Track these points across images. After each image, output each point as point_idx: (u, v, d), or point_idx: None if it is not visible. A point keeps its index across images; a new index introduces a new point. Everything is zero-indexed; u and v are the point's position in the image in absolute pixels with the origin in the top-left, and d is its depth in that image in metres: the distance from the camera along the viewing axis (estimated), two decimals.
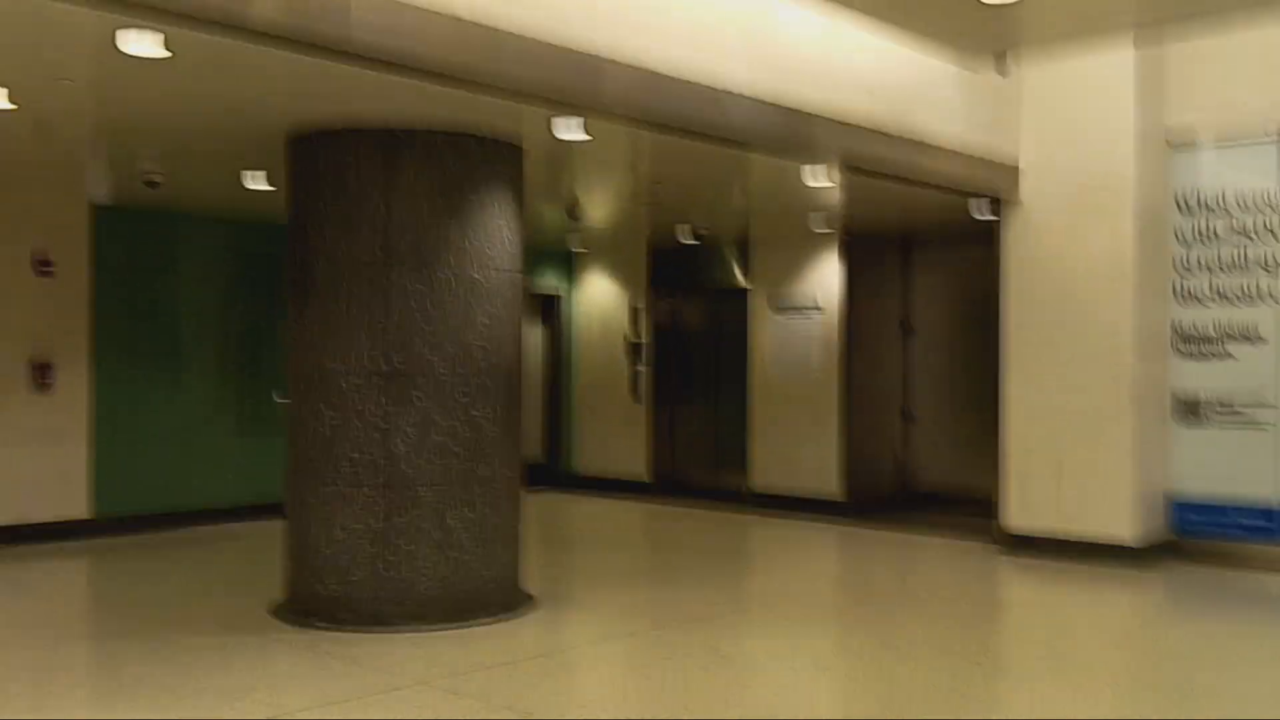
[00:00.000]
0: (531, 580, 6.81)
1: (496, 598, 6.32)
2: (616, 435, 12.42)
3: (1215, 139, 8.19)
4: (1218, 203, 8.19)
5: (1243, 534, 8.05)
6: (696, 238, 10.94)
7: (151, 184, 7.49)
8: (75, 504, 8.93)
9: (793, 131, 6.54)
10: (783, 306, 11.12)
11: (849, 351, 10.77)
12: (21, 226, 8.65)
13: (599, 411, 12.63)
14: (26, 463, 8.68)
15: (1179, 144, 8.31)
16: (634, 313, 12.36)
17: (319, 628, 6.02)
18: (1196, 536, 8.23)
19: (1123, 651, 6.21)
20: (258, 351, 9.82)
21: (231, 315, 9.94)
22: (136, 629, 6.14)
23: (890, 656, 5.72)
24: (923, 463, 11.34)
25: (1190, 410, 8.27)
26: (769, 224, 10.64)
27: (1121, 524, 8.09)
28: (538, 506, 8.10)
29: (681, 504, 11.32)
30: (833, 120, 6.77)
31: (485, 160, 6.29)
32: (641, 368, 12.28)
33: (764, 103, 6.30)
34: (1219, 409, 8.16)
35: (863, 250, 10.88)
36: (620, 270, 12.48)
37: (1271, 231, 7.99)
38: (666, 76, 5.75)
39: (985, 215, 8.77)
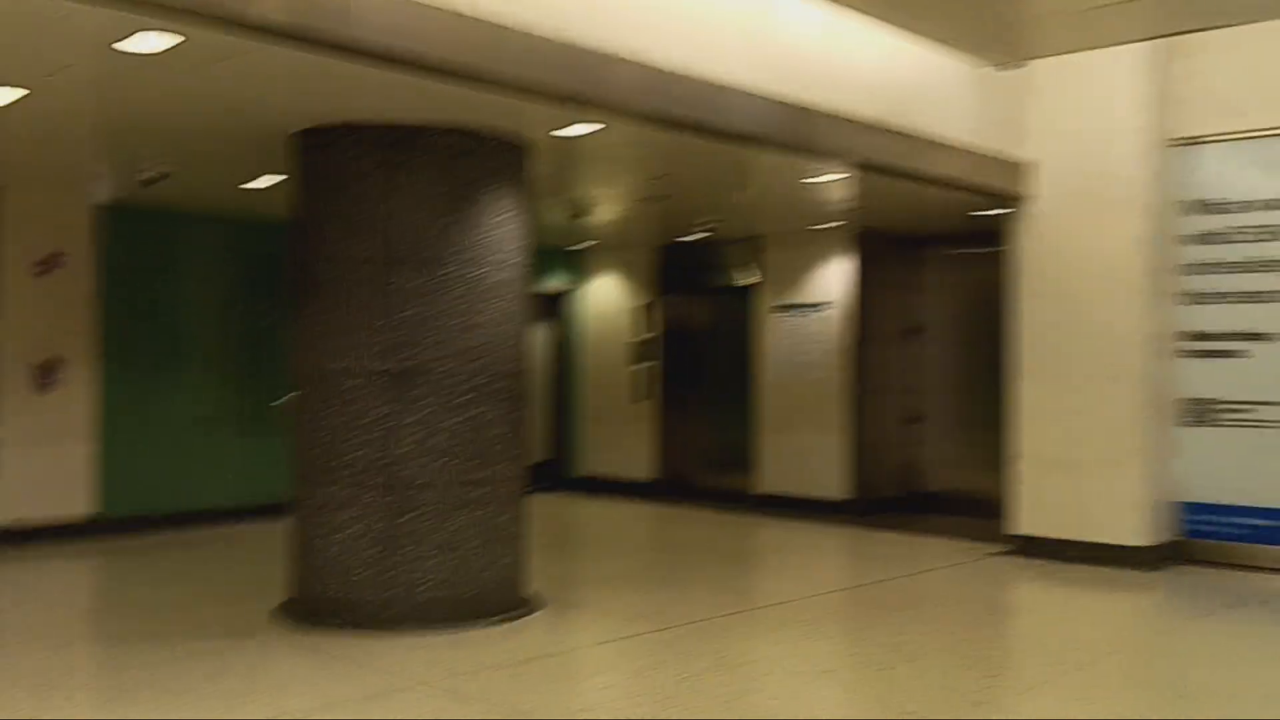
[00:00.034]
0: (535, 582, 6.77)
1: (500, 600, 6.28)
2: (622, 436, 12.38)
3: (1227, 136, 8.13)
4: (1229, 200, 8.13)
5: (1253, 536, 7.98)
6: (703, 236, 10.88)
7: (149, 181, 7.45)
8: (79, 504, 8.92)
9: (800, 128, 6.50)
10: (790, 306, 11.07)
11: (857, 351, 10.72)
12: (25, 226, 8.64)
13: (604, 412, 12.59)
14: (30, 463, 8.66)
15: (1190, 141, 8.25)
16: (640, 312, 12.32)
17: (322, 629, 5.99)
18: (1206, 538, 8.17)
19: (1132, 655, 6.16)
20: (263, 352, 9.78)
21: (236, 315, 9.91)
22: (139, 631, 6.12)
23: (897, 660, 5.67)
24: (931, 464, 11.27)
25: (1200, 412, 8.21)
26: (776, 222, 10.59)
27: (1130, 526, 8.03)
28: (542, 508, 8.05)
29: (687, 505, 11.28)
30: (840, 117, 6.73)
31: (490, 158, 6.25)
32: (648, 367, 12.24)
33: (771, 100, 6.26)
34: (1228, 409, 8.09)
35: (871, 249, 10.83)
36: (627, 269, 12.44)
37: None
38: (672, 73, 5.72)
39: (995, 213, 8.72)
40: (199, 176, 7.84)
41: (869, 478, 10.75)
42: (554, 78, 5.24)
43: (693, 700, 4.95)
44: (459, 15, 4.78)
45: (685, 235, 10.97)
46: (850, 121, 6.81)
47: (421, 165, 6.06)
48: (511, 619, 6.24)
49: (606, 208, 9.67)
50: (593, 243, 12.12)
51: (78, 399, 8.92)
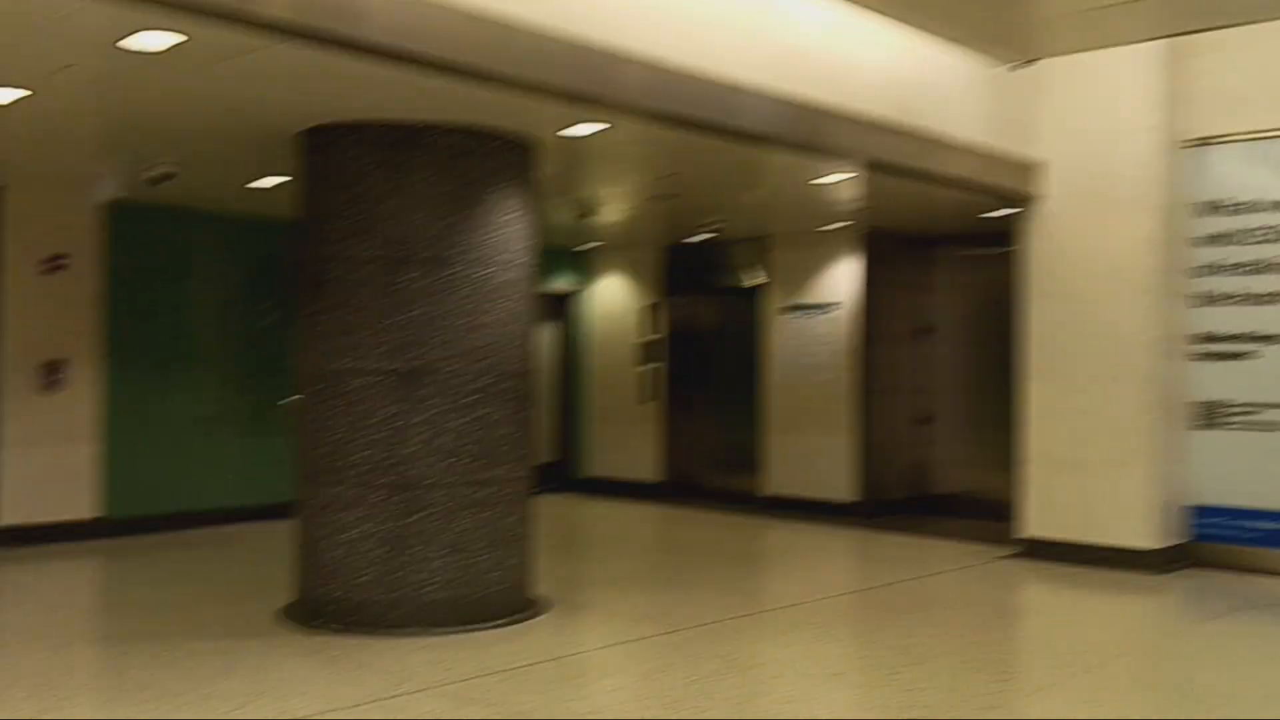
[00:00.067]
0: (542, 584, 6.74)
1: (506, 601, 6.24)
2: (628, 437, 12.34)
3: (1239, 136, 8.07)
4: (1240, 201, 8.08)
5: (1263, 539, 7.92)
6: (711, 236, 10.84)
7: (156, 180, 7.42)
8: (84, 504, 8.89)
9: (809, 128, 6.46)
10: (798, 306, 11.03)
11: (865, 352, 10.67)
12: (29, 226, 8.61)
13: (611, 413, 12.55)
14: (35, 463, 8.64)
15: (1201, 141, 8.19)
16: (647, 312, 12.28)
17: (327, 631, 5.95)
18: (1216, 542, 8.11)
19: (1141, 658, 6.12)
20: (270, 351, 9.76)
21: (241, 315, 9.89)
22: (142, 632, 6.09)
23: (906, 663, 5.63)
24: (939, 466, 11.22)
25: (1210, 413, 8.16)
26: (785, 222, 10.55)
27: (1140, 529, 7.98)
28: (549, 509, 8.03)
29: (694, 507, 11.23)
30: (850, 117, 6.69)
31: (497, 157, 6.22)
32: (654, 368, 12.20)
33: (780, 99, 6.23)
34: (1240, 412, 8.04)
35: (880, 249, 10.77)
36: (634, 269, 12.40)
37: None
38: (680, 72, 5.68)
39: (1005, 213, 8.68)
40: (203, 176, 7.82)
41: (877, 479, 10.70)
42: (561, 76, 5.21)
43: (702, 704, 4.91)
44: (466, 13, 4.74)
45: (692, 235, 10.93)
46: (859, 121, 6.77)
47: (426, 164, 6.03)
48: (519, 621, 6.21)
49: (613, 207, 9.64)
50: (599, 243, 12.09)
51: (82, 399, 8.90)
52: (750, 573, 8.60)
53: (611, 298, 12.63)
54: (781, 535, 9.98)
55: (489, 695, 4.98)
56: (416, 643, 5.77)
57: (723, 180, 8.24)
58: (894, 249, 10.95)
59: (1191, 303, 8.22)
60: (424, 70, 4.84)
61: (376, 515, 5.96)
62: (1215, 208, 8.17)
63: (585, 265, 12.76)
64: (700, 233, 10.68)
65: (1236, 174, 8.10)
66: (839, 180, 7.98)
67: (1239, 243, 8.07)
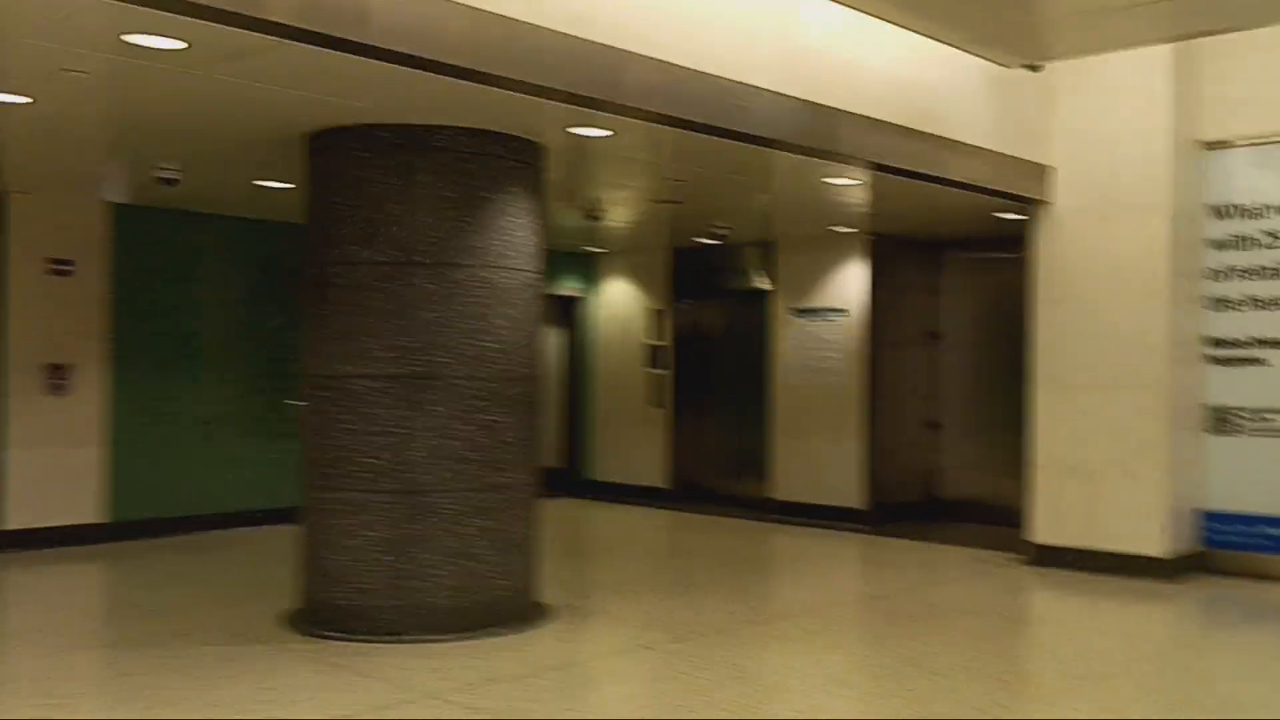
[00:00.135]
0: (548, 590, 6.70)
1: (512, 608, 6.20)
2: (636, 441, 12.29)
3: (1252, 140, 8.01)
4: (1253, 205, 8.02)
5: (1276, 546, 7.85)
6: (718, 240, 10.79)
7: (168, 181, 7.41)
8: (89, 508, 8.86)
9: (818, 129, 6.42)
10: (806, 310, 10.98)
11: (874, 357, 10.61)
12: (36, 228, 8.60)
13: (618, 417, 12.51)
14: (41, 465, 8.62)
15: (1214, 144, 8.13)
16: (654, 316, 12.24)
17: (331, 637, 5.91)
18: (1228, 549, 8.05)
19: (1151, 667, 6.06)
20: (276, 354, 9.73)
21: (247, 317, 9.86)
22: (146, 636, 6.06)
23: (914, 672, 5.57)
24: (948, 471, 11.15)
25: (1222, 419, 8.09)
26: (793, 226, 10.50)
27: (1151, 536, 7.92)
28: (555, 514, 7.99)
29: (701, 512, 11.19)
30: (858, 117, 6.64)
31: (505, 159, 6.18)
32: (661, 372, 12.16)
33: (788, 99, 6.18)
34: (1252, 418, 7.98)
35: (889, 253, 10.72)
36: (641, 273, 12.36)
37: None
38: (690, 74, 5.64)
39: (1014, 216, 8.62)
40: (210, 179, 7.80)
41: (885, 484, 10.64)
42: (567, 78, 5.18)
43: (708, 711, 4.86)
44: (471, 14, 4.71)
45: (700, 239, 10.88)
46: (869, 124, 6.73)
47: (432, 167, 5.99)
48: (524, 628, 6.16)
49: (621, 210, 9.60)
50: (608, 245, 12.05)
51: (87, 402, 8.87)
52: (758, 579, 8.55)
53: (618, 302, 12.59)
54: (789, 541, 9.93)
55: (494, 703, 4.94)
56: (420, 649, 5.73)
57: (732, 183, 8.19)
58: (903, 252, 10.89)
59: (1203, 307, 8.16)
60: (429, 72, 4.80)
61: (381, 520, 5.92)
62: (1226, 212, 8.10)
63: (592, 269, 12.72)
64: (708, 236, 10.62)
65: (1247, 178, 8.04)
66: (849, 183, 7.92)
67: (1250, 247, 8.01)
